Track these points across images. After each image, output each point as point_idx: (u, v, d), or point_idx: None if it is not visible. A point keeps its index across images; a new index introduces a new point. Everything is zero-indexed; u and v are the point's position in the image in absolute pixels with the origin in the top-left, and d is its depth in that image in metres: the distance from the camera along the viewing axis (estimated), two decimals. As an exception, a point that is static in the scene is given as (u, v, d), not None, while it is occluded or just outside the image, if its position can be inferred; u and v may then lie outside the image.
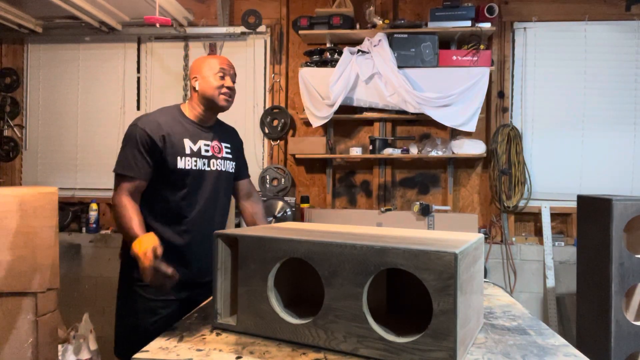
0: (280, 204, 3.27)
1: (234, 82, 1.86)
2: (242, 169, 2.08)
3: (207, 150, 1.86)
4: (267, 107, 3.53)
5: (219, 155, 1.90)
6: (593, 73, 3.30)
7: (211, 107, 1.83)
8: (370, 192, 3.45)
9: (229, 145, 1.98)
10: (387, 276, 1.39)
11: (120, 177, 1.73)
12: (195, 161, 1.80)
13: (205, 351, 1.18)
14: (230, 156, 1.97)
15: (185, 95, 3.59)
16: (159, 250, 1.50)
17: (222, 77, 1.81)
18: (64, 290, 3.28)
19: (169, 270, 1.49)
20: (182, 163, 1.77)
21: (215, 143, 1.90)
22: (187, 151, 1.78)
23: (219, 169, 1.90)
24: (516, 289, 3.25)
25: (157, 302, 1.77)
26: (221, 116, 2.00)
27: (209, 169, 1.85)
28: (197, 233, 1.81)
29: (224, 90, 1.80)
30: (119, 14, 3.34)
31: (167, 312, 1.77)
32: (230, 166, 1.96)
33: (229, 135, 2.02)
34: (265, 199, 3.29)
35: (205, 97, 1.81)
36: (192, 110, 1.86)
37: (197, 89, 1.82)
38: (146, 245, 1.50)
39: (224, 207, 1.98)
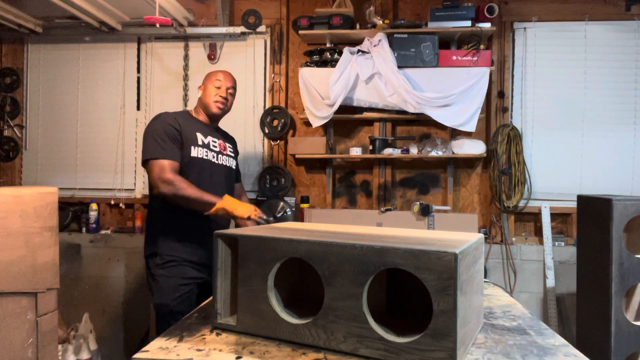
0: (280, 204, 3.27)
1: (231, 93, 2.18)
2: (238, 172, 2.40)
3: (215, 146, 2.13)
4: (267, 107, 3.53)
5: (225, 152, 2.19)
6: (593, 73, 3.30)
7: (207, 111, 2.16)
8: (370, 192, 3.45)
9: (231, 147, 2.27)
10: (387, 276, 1.39)
11: (156, 162, 1.92)
12: (207, 152, 2.08)
13: (205, 351, 1.18)
14: (232, 155, 2.27)
15: (186, 95, 3.59)
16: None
17: (218, 88, 2.13)
18: (64, 290, 3.28)
19: (264, 216, 1.94)
20: (195, 152, 2.03)
21: (220, 141, 2.20)
22: (199, 142, 2.05)
23: (226, 164, 2.18)
24: (516, 289, 3.25)
25: (179, 279, 2.00)
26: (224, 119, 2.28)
27: (217, 162, 2.13)
28: (213, 218, 2.03)
29: (218, 98, 2.13)
30: (119, 14, 3.34)
31: (187, 289, 2.02)
32: (233, 163, 2.25)
33: (230, 141, 2.35)
34: (265, 199, 3.29)
35: (203, 103, 2.16)
36: (198, 115, 2.18)
37: (199, 96, 2.18)
38: (246, 207, 1.91)
39: None
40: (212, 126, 2.22)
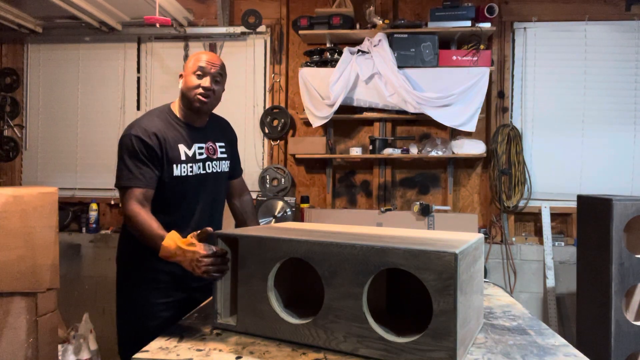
0: (280, 204, 3.27)
1: (218, 81, 1.76)
2: (236, 167, 2.03)
3: (201, 154, 1.80)
4: (267, 107, 3.53)
5: (214, 157, 1.85)
6: (593, 73, 3.30)
7: (189, 107, 1.75)
8: (370, 192, 3.45)
9: (223, 144, 1.92)
10: (387, 276, 1.39)
11: (125, 189, 1.63)
12: (191, 167, 1.76)
13: (205, 351, 1.18)
14: (225, 155, 1.92)
15: (185, 95, 3.59)
16: (196, 240, 1.38)
17: (200, 77, 1.71)
18: (64, 290, 3.28)
19: (217, 251, 1.35)
20: (178, 171, 1.72)
21: (209, 144, 1.84)
22: (183, 157, 1.73)
23: (215, 170, 1.86)
24: (516, 289, 3.25)
25: (159, 305, 1.76)
26: (221, 114, 1.99)
27: (204, 172, 1.81)
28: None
29: (199, 90, 1.71)
30: (119, 14, 3.34)
31: (169, 314, 1.76)
32: (225, 166, 1.92)
33: (222, 131, 1.96)
34: (265, 199, 3.29)
35: (184, 96, 1.75)
36: (180, 111, 1.79)
37: (179, 87, 1.77)
38: (184, 257, 1.38)
39: (221, 206, 1.97)
40: (199, 123, 1.82)
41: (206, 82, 1.71)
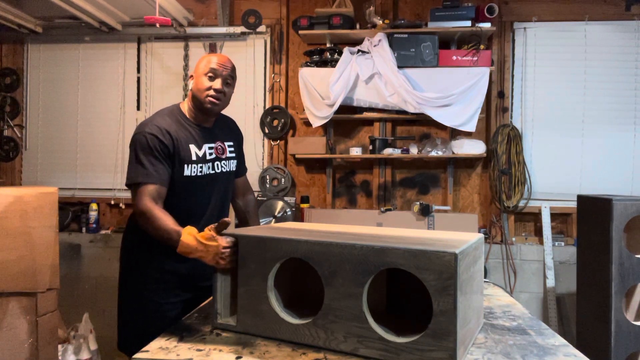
0: (280, 204, 3.27)
1: (229, 83, 1.77)
2: (241, 166, 2.04)
3: (211, 154, 1.82)
4: (267, 107, 3.53)
5: (223, 156, 1.87)
6: (593, 73, 3.30)
7: (200, 108, 1.76)
8: (370, 192, 3.45)
9: (231, 143, 1.94)
10: (387, 276, 1.39)
11: (137, 186, 1.61)
12: (201, 167, 1.78)
13: (205, 351, 1.18)
14: (233, 155, 1.94)
15: (186, 95, 3.58)
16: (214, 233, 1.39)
17: (212, 79, 1.72)
18: (64, 290, 3.28)
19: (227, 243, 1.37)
20: (188, 171, 1.73)
21: (218, 144, 1.85)
22: (194, 157, 1.75)
23: (224, 170, 1.87)
24: (516, 289, 3.25)
25: (166, 304, 1.77)
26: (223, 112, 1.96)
27: (213, 172, 1.83)
28: None
29: (211, 92, 1.71)
30: (119, 14, 3.34)
31: (175, 314, 1.77)
32: (233, 165, 1.94)
33: (230, 130, 1.98)
34: (265, 199, 3.29)
35: (194, 97, 1.75)
36: (189, 111, 1.80)
37: (190, 88, 1.78)
38: (206, 251, 1.38)
39: (228, 204, 1.99)
40: (207, 124, 1.83)
41: (217, 84, 1.72)
